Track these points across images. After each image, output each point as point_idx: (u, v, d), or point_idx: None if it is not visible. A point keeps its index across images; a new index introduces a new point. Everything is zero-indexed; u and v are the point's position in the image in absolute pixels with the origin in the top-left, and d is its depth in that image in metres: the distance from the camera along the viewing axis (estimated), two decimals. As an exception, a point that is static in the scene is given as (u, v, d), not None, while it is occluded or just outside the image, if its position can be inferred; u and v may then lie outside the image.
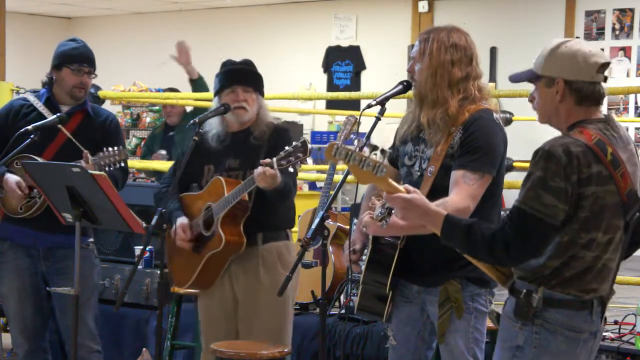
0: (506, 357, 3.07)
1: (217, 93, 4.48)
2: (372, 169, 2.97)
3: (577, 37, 3.45)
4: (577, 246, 2.96)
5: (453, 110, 3.58)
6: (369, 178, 3.01)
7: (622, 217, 3.00)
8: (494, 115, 3.63)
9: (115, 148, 4.61)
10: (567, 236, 2.95)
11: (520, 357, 3.03)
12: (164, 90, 8.74)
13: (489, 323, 3.77)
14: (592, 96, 3.02)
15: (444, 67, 3.60)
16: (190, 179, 4.56)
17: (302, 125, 11.86)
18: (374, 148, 3.12)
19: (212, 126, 4.47)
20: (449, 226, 3.01)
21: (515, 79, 3.14)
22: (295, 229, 4.99)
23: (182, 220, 4.40)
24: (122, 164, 4.67)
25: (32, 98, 4.87)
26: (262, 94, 4.51)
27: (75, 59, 4.82)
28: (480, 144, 3.54)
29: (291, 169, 4.09)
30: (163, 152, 7.95)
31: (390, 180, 3.05)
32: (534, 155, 2.94)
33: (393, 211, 3.18)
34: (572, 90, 3.01)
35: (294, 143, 4.07)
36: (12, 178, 4.62)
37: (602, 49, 10.84)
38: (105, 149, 4.61)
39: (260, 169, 4.10)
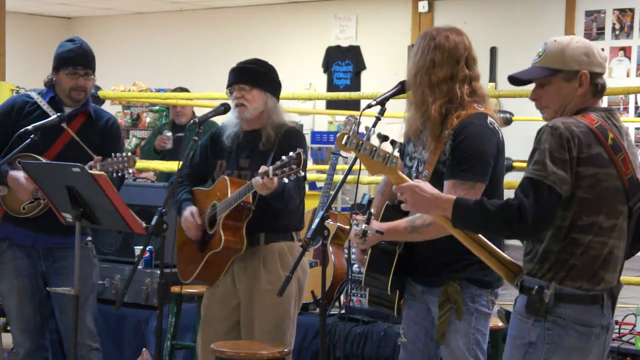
0: (518, 354, 3.09)
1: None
2: (382, 159, 3.02)
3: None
4: (577, 229, 3.00)
5: (434, 114, 3.55)
6: (379, 168, 3.05)
7: (625, 203, 3.05)
8: (488, 119, 3.58)
9: (124, 154, 4.61)
10: (569, 219, 3.00)
11: (532, 354, 3.06)
12: (173, 90, 8.73)
13: (491, 323, 3.77)
14: (604, 89, 3.13)
15: (425, 67, 3.58)
16: (205, 173, 4.63)
17: (302, 125, 11.85)
18: (385, 139, 3.13)
19: (229, 124, 4.52)
20: (459, 208, 3.04)
21: (525, 76, 3.15)
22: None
23: (192, 208, 4.47)
24: (127, 171, 4.66)
25: (35, 96, 4.84)
26: (270, 92, 4.47)
27: (70, 61, 4.74)
28: (470, 153, 3.52)
29: (285, 180, 4.10)
30: (169, 134, 7.97)
31: (400, 172, 3.08)
32: (537, 133, 3.01)
33: (368, 233, 3.31)
34: (593, 82, 3.09)
35: (290, 153, 4.08)
36: (17, 173, 4.61)
37: (602, 49, 10.84)
38: (114, 154, 4.61)
39: (258, 177, 4.12)
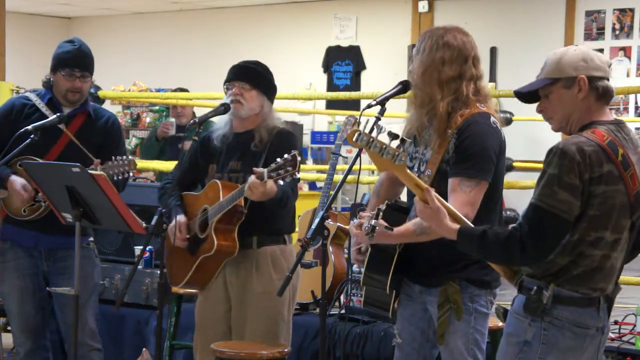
0: (513, 352, 3.12)
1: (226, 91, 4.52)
2: (391, 157, 3.07)
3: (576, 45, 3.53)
4: (585, 244, 3.02)
5: (442, 111, 3.57)
6: (388, 166, 3.10)
7: (628, 217, 3.07)
8: (491, 118, 3.60)
9: (125, 157, 4.61)
10: (577, 234, 3.01)
11: (527, 352, 3.09)
12: (174, 90, 8.72)
13: (491, 323, 3.77)
14: (609, 93, 3.12)
15: (434, 65, 3.59)
16: (195, 178, 4.59)
17: (302, 126, 11.86)
18: (395, 137, 3.16)
19: (219, 126, 4.50)
20: (463, 240, 3.12)
21: (527, 88, 3.19)
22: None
23: (180, 218, 4.42)
24: (129, 174, 4.66)
25: (33, 97, 4.83)
26: (267, 96, 4.47)
27: (67, 63, 4.71)
28: (475, 151, 3.53)
29: (281, 182, 4.08)
30: (172, 119, 7.98)
31: (408, 170, 3.12)
32: (547, 153, 3.02)
33: (377, 229, 3.31)
34: (593, 86, 3.09)
35: (285, 156, 4.05)
36: (17, 180, 4.61)
37: (602, 49, 10.86)
38: (114, 158, 4.60)
39: (249, 182, 4.08)
